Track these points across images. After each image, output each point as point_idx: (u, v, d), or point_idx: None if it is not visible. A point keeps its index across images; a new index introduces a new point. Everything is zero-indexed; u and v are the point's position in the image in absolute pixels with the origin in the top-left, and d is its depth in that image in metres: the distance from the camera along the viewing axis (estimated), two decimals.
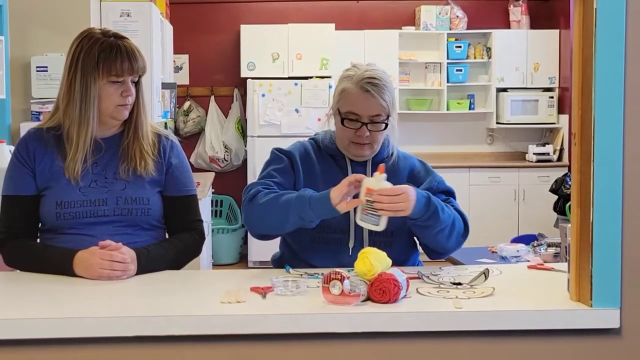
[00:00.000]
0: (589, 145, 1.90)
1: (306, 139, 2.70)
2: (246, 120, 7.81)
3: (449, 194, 2.58)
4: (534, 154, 8.03)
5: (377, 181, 2.30)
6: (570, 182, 6.58)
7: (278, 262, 2.64)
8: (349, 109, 2.48)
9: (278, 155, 2.59)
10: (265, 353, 1.90)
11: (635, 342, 1.94)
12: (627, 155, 1.90)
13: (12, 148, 3.26)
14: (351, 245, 2.47)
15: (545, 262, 2.95)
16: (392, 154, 2.60)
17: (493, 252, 4.02)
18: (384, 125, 2.48)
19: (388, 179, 2.54)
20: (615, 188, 1.90)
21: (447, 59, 8.11)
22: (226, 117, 8.10)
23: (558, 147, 8.09)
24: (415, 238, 2.59)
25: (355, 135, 2.48)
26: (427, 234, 2.44)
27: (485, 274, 2.19)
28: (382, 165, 2.34)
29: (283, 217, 2.38)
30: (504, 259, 3.89)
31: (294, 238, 2.55)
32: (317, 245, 2.50)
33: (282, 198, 2.39)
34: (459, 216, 2.50)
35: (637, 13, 1.89)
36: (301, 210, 2.34)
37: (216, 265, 7.36)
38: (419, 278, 2.21)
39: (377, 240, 2.42)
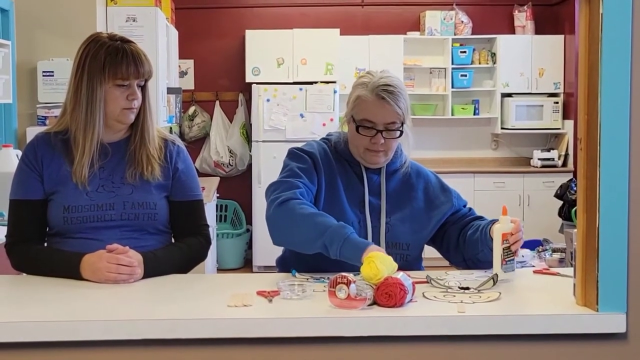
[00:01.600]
0: (595, 150, 1.91)
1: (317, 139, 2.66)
2: (251, 125, 7.82)
3: (465, 206, 2.63)
4: (538, 159, 8.03)
5: (507, 223, 2.28)
6: (575, 188, 6.59)
7: (282, 263, 2.64)
8: (364, 117, 2.46)
9: (299, 154, 2.53)
10: (271, 357, 1.90)
11: None
12: (633, 160, 1.90)
13: (19, 152, 3.27)
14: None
15: (550, 267, 2.95)
16: (404, 162, 2.59)
17: None
18: (398, 132, 2.47)
19: (402, 193, 2.54)
20: (621, 193, 1.90)
21: (452, 64, 8.11)
22: (231, 122, 8.11)
23: (563, 153, 8.09)
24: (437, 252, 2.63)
25: (370, 143, 2.46)
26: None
27: (494, 279, 2.19)
28: (505, 207, 2.32)
29: (312, 238, 2.29)
30: None
31: None
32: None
33: (319, 219, 2.31)
34: None
35: None
36: (332, 242, 2.26)
37: (221, 269, 7.36)
38: (427, 282, 2.21)
39: (393, 252, 2.30)
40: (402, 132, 2.48)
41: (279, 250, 2.69)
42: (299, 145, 2.62)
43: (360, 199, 2.51)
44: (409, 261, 2.46)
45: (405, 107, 2.47)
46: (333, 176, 2.52)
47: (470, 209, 2.62)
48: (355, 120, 2.48)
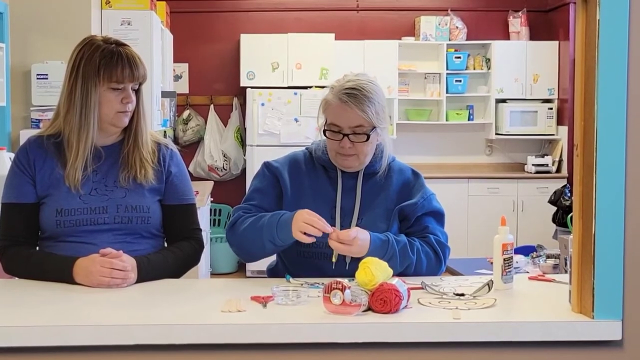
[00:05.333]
0: (592, 156, 1.90)
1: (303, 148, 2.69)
2: (245, 129, 7.81)
3: (435, 214, 2.54)
4: (532, 165, 8.04)
5: (506, 234, 2.28)
6: (569, 194, 6.60)
7: (273, 272, 2.64)
8: (330, 120, 2.47)
9: (263, 171, 2.60)
10: None
11: (637, 354, 1.93)
12: (629, 166, 1.90)
13: (12, 155, 3.25)
14: (334, 259, 2.40)
15: (544, 273, 2.94)
16: (385, 165, 2.55)
17: (492, 263, 4.00)
18: (366, 136, 2.45)
19: (377, 194, 2.53)
20: (618, 199, 1.90)
21: (447, 69, 8.11)
22: (225, 126, 8.10)
23: (557, 159, 8.10)
24: None
25: (339, 147, 2.47)
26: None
27: (489, 285, 2.19)
28: (503, 217, 2.31)
29: (259, 243, 2.41)
30: None
31: (283, 251, 2.53)
32: (303, 258, 2.48)
33: (257, 223, 2.42)
34: (430, 251, 2.46)
35: None
36: (271, 235, 2.37)
37: (214, 274, 7.34)
38: (422, 288, 2.20)
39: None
40: (369, 136, 2.45)
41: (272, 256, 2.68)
42: (295, 149, 2.67)
43: (332, 203, 2.51)
44: None
45: (373, 111, 2.43)
46: (301, 184, 2.54)
47: (427, 227, 2.50)
48: (325, 123, 2.49)
